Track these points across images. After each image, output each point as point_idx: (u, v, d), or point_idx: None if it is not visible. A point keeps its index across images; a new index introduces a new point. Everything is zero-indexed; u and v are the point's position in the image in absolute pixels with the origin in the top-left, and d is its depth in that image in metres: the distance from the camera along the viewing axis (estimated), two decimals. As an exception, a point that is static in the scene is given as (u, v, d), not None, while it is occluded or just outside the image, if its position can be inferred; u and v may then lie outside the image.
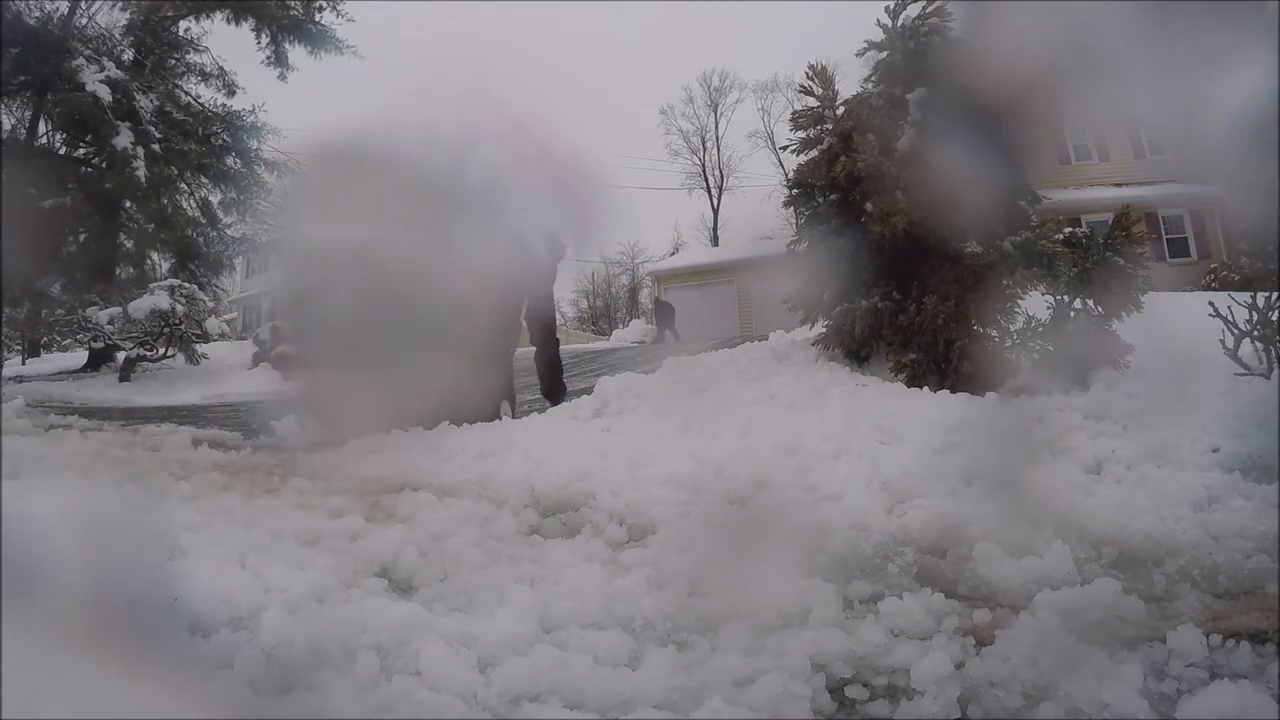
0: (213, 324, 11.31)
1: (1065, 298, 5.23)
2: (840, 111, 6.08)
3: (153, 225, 11.18)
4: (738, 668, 1.32)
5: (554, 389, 5.36)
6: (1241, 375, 5.05)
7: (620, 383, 4.80)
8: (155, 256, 12.33)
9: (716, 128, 33.91)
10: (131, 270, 11.68)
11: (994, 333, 5.45)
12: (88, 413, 5.79)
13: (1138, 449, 3.08)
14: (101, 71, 10.28)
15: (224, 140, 11.96)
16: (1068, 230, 5.73)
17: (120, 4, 11.44)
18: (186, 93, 12.20)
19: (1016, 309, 5.48)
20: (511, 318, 4.66)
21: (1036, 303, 5.42)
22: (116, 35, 11.40)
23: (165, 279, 11.32)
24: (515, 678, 1.25)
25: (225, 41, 12.46)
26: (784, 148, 7.16)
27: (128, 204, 11.11)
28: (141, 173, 10.29)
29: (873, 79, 6.04)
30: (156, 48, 11.69)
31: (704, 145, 33.90)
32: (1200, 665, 1.48)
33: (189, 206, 12.06)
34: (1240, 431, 3.25)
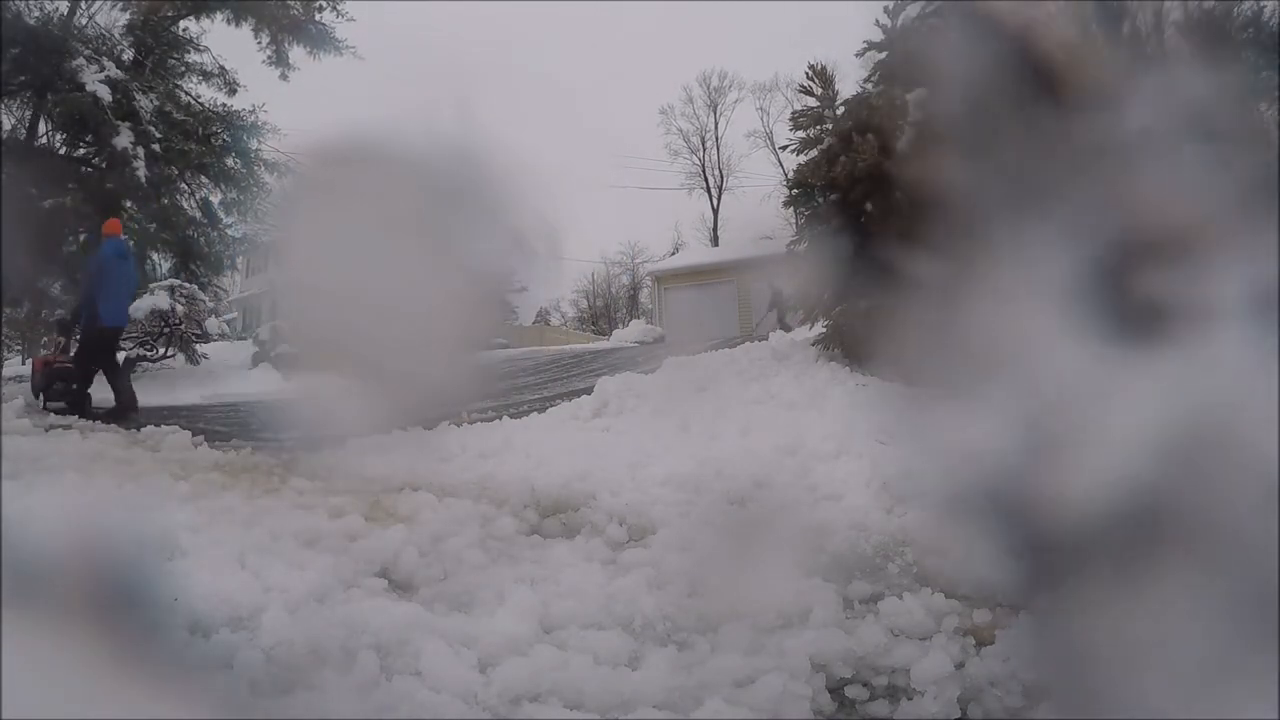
0: (213, 324, 11.30)
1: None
2: (840, 111, 6.08)
3: (153, 225, 11.18)
4: (738, 668, 1.32)
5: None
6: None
7: (620, 383, 4.81)
8: (155, 256, 12.31)
9: (716, 128, 33.95)
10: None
11: (994, 333, 5.45)
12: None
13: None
14: (101, 71, 10.27)
15: (224, 140, 11.95)
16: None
17: (120, 4, 11.43)
18: (186, 93, 12.19)
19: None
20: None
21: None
22: (116, 35, 11.39)
23: (165, 279, 11.32)
24: (515, 678, 1.25)
25: (225, 41, 12.45)
26: (784, 148, 7.16)
27: (128, 204, 11.10)
28: (141, 173, 10.27)
29: (872, 79, 6.04)
30: (156, 48, 11.68)
31: (704, 145, 33.94)
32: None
33: (189, 206, 12.04)
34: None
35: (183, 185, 11.93)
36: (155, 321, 10.27)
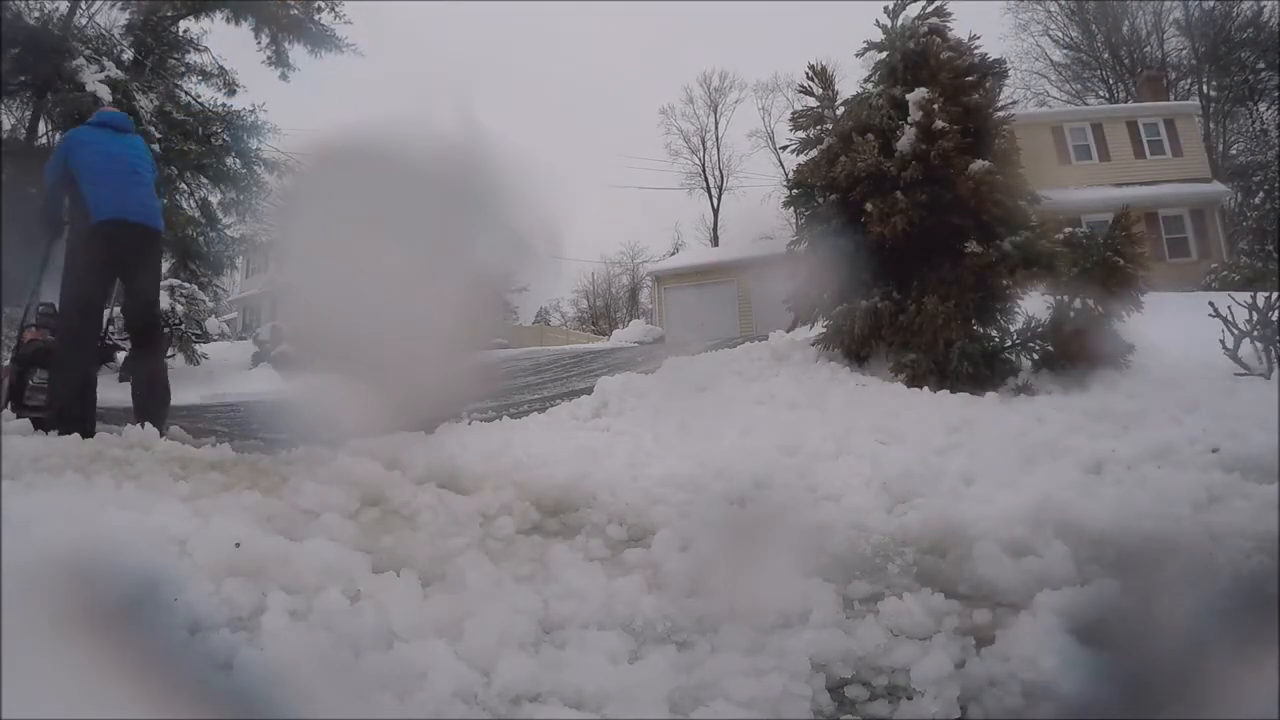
0: (213, 324, 11.30)
1: (1065, 298, 5.24)
2: (840, 112, 6.08)
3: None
4: (738, 667, 1.32)
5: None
6: (1241, 375, 5.06)
7: (620, 383, 4.81)
8: (155, 256, 12.29)
9: (716, 128, 33.93)
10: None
11: (994, 333, 5.45)
12: (88, 413, 5.76)
13: (1137, 449, 3.08)
14: (101, 71, 10.28)
15: (224, 140, 11.95)
16: (1068, 230, 5.75)
17: (120, 4, 11.43)
18: (186, 93, 12.19)
19: (1016, 309, 5.48)
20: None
21: (1036, 303, 5.43)
22: (116, 35, 11.39)
23: (165, 279, 11.32)
24: (515, 678, 1.25)
25: (225, 41, 12.45)
26: (784, 148, 7.17)
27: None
28: (142, 173, 10.25)
29: (872, 79, 6.05)
30: (156, 48, 11.68)
31: (704, 145, 33.91)
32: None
33: (189, 206, 12.04)
34: (1240, 431, 3.26)
35: (182, 185, 11.94)
36: (155, 321, 10.25)
